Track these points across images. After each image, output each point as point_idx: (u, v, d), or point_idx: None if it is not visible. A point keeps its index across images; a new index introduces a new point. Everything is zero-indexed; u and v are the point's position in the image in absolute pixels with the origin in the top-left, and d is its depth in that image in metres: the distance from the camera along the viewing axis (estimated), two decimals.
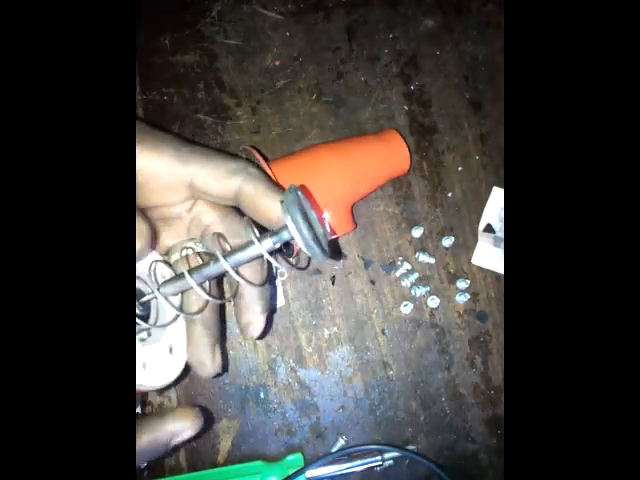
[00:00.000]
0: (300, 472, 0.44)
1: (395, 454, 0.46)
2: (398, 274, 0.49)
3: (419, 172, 0.51)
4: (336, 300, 0.49)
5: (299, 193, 0.31)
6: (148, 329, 0.34)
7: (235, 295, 0.36)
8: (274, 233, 0.31)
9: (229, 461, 0.47)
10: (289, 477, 0.43)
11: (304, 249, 0.30)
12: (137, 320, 0.32)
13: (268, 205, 0.33)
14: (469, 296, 0.48)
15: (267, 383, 0.48)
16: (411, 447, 0.47)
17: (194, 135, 0.51)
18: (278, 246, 0.32)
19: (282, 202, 0.30)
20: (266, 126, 0.51)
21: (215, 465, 0.46)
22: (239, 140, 0.50)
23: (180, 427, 0.32)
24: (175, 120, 0.51)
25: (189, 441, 0.35)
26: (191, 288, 0.32)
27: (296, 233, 0.29)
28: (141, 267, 0.34)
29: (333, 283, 0.49)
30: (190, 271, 0.33)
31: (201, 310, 0.35)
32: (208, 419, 0.42)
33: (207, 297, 0.32)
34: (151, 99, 0.51)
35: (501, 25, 0.53)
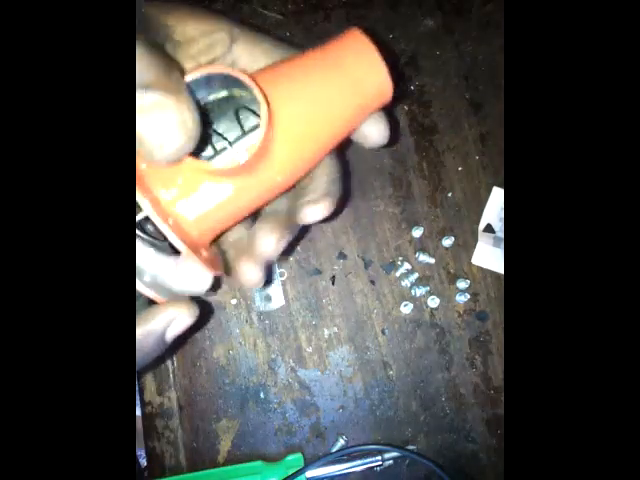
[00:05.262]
0: (300, 472, 0.44)
1: (395, 454, 0.46)
2: (398, 274, 0.49)
3: (419, 172, 0.51)
4: (336, 300, 0.49)
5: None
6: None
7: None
8: None
9: (229, 461, 0.47)
10: (289, 477, 0.43)
11: None
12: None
13: None
14: (469, 296, 0.48)
15: (267, 383, 0.48)
16: (411, 447, 0.47)
17: None
18: None
19: None
20: None
21: (215, 465, 0.46)
22: None
23: (173, 313, 0.29)
24: None
25: (186, 335, 0.31)
26: None
27: None
28: None
29: (333, 283, 0.49)
30: None
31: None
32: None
33: None
34: None
35: (501, 25, 0.53)
